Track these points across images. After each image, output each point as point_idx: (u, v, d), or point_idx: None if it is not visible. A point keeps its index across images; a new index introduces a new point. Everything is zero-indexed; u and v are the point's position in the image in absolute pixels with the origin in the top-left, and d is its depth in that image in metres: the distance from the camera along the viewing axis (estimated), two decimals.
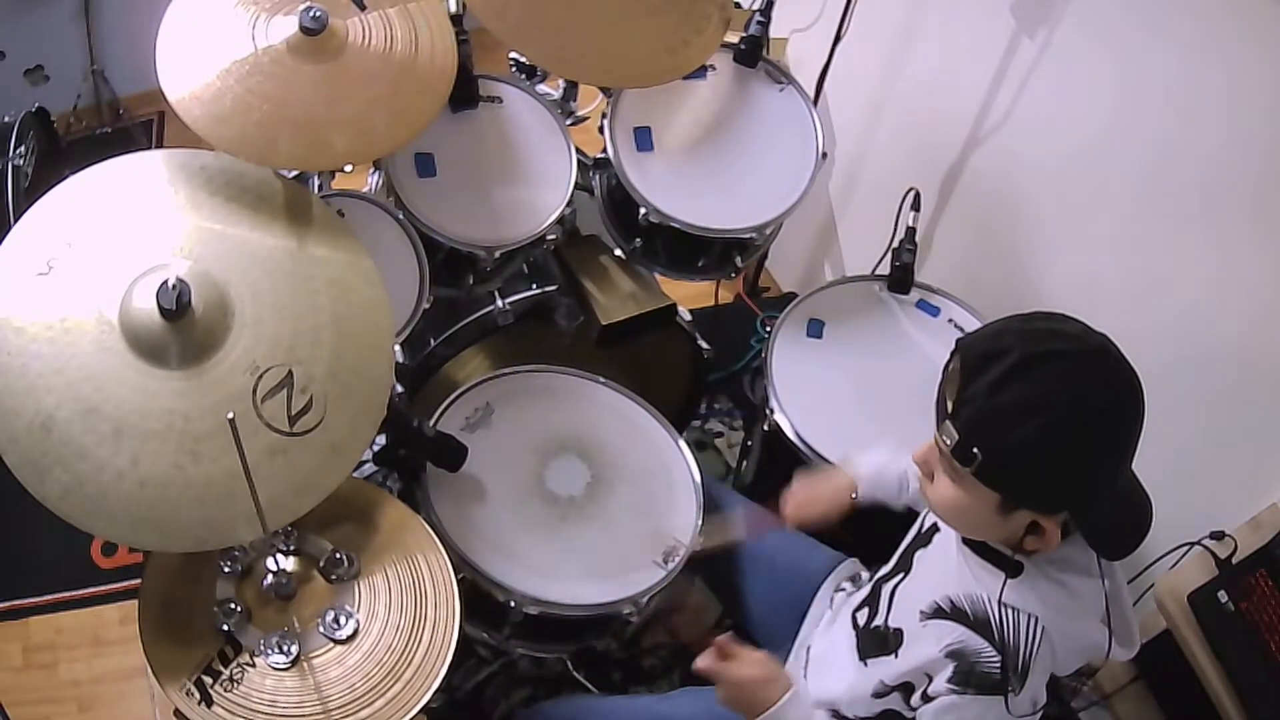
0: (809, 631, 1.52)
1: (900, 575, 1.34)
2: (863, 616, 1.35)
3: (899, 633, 1.26)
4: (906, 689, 1.23)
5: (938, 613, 1.20)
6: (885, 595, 1.33)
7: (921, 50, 2.25)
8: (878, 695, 1.27)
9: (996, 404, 1.05)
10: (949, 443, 1.09)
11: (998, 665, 1.13)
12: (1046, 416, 1.03)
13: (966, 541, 1.22)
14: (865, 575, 1.52)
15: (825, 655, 1.42)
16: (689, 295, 2.16)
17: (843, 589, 1.54)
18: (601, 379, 1.75)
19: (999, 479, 1.08)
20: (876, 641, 1.30)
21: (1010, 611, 1.14)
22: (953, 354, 1.12)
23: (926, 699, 1.19)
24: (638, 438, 1.70)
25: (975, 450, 1.06)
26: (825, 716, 1.33)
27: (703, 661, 1.31)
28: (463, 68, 1.58)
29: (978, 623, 1.16)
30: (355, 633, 1.27)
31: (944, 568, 1.25)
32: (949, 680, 1.15)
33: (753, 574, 1.63)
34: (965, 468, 1.08)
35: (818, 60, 2.26)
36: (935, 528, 1.33)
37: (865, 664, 1.30)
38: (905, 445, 1.45)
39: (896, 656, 1.24)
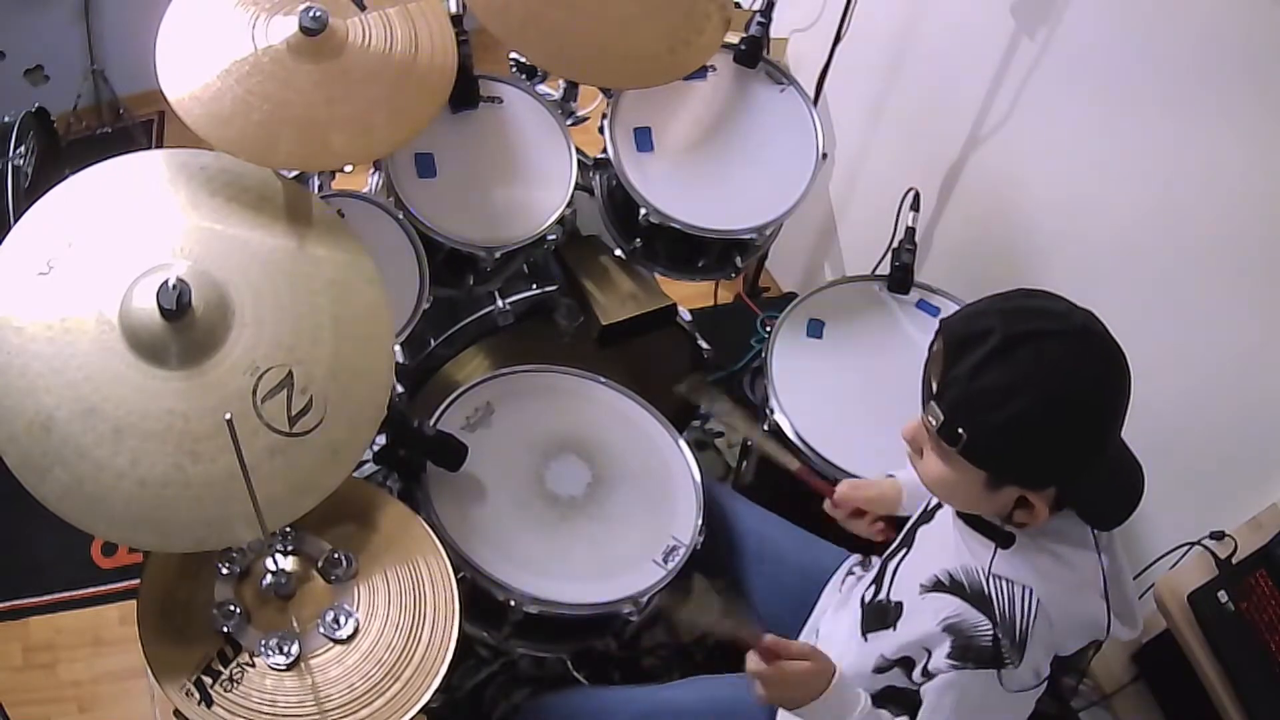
0: (818, 617, 1.52)
1: (904, 551, 1.35)
2: (869, 594, 1.36)
3: (899, 605, 1.26)
4: (906, 664, 1.24)
5: (936, 586, 1.21)
6: (890, 570, 1.34)
7: (921, 50, 2.25)
8: (879, 670, 1.27)
9: (979, 386, 1.06)
10: (935, 423, 1.10)
11: (995, 638, 1.14)
12: (1028, 397, 1.04)
13: (960, 514, 1.24)
14: (875, 560, 1.52)
15: (830, 635, 1.43)
16: (689, 295, 2.17)
17: (853, 573, 1.54)
18: (601, 379, 1.74)
19: (984, 458, 1.10)
20: (877, 616, 1.30)
21: (1004, 583, 1.15)
22: (936, 334, 1.13)
23: (928, 675, 1.19)
24: (638, 438, 1.70)
25: (960, 430, 1.08)
26: (866, 696, 1.28)
27: (754, 664, 1.25)
28: (463, 68, 1.58)
29: (974, 596, 1.17)
30: (355, 632, 1.27)
31: (942, 541, 1.26)
32: (948, 655, 1.16)
33: (758, 570, 1.64)
34: (951, 447, 1.10)
35: (818, 60, 2.26)
36: (939, 505, 1.34)
37: (865, 639, 1.30)
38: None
39: (895, 629, 1.25)
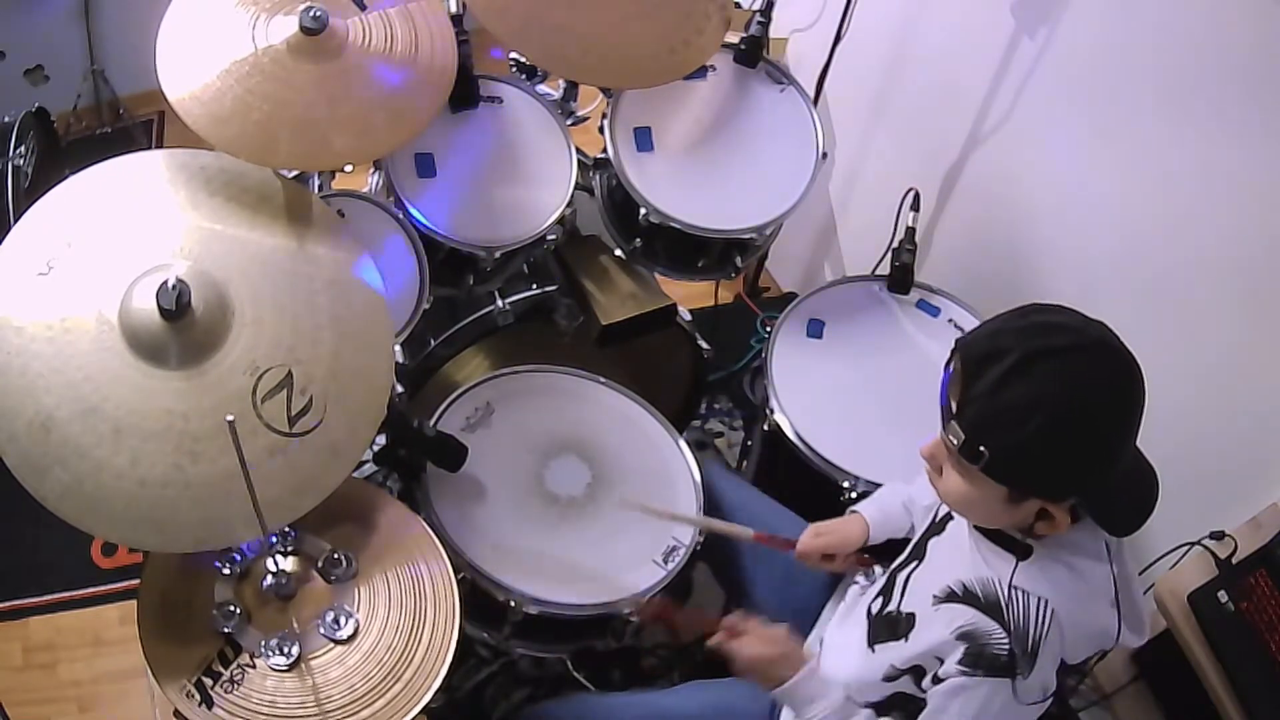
0: (821, 627, 1.52)
1: (915, 563, 1.35)
2: (877, 605, 1.36)
3: (911, 617, 1.27)
4: (917, 672, 1.24)
5: (950, 596, 1.21)
6: (900, 582, 1.34)
7: (921, 51, 2.25)
8: (888, 679, 1.27)
9: (999, 404, 1.07)
10: (955, 442, 1.11)
11: (1008, 647, 1.14)
12: (1049, 413, 1.05)
13: (978, 526, 1.24)
14: (878, 569, 1.52)
15: (837, 643, 1.43)
16: (689, 295, 2.16)
17: (856, 582, 1.54)
18: (601, 379, 1.74)
19: (1006, 474, 1.10)
20: (887, 627, 1.30)
21: (1020, 594, 1.15)
22: (953, 354, 1.14)
23: (937, 681, 1.20)
24: (638, 438, 1.70)
25: (982, 449, 1.08)
26: (843, 697, 1.33)
27: (715, 640, 1.37)
28: (463, 68, 1.58)
29: (989, 605, 1.17)
30: (355, 633, 1.27)
31: (957, 553, 1.26)
32: (959, 662, 1.16)
33: (764, 576, 1.63)
34: (973, 465, 1.10)
35: (818, 60, 2.26)
36: (950, 516, 1.34)
37: (873, 650, 1.31)
38: (902, 470, 1.50)
39: (906, 640, 1.25)
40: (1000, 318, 1.14)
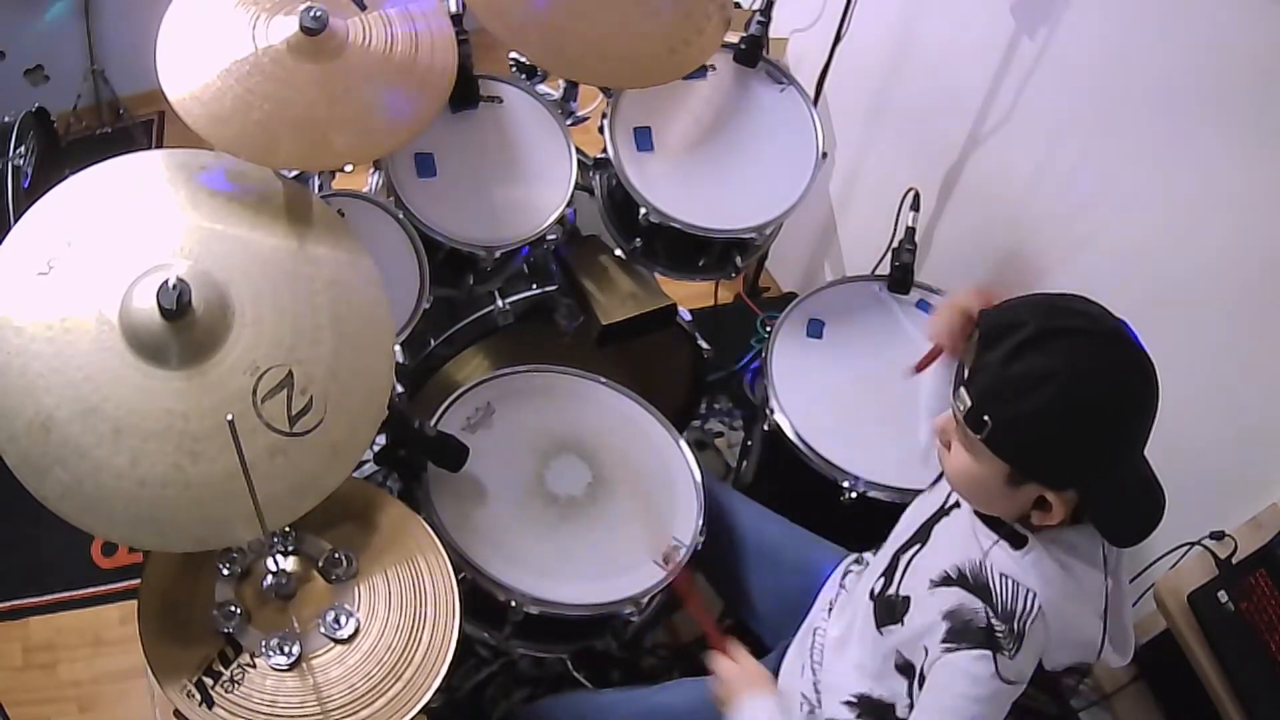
0: (817, 615, 1.52)
1: (918, 546, 1.35)
2: (879, 586, 1.36)
3: (907, 600, 1.27)
4: (909, 671, 1.24)
5: (944, 580, 1.21)
6: (902, 565, 1.34)
7: (921, 51, 2.25)
8: (901, 670, 1.27)
9: (1008, 373, 1.07)
10: (962, 409, 1.12)
11: (989, 622, 1.14)
12: (1055, 389, 1.05)
13: (978, 513, 1.24)
14: (869, 556, 1.52)
15: (844, 635, 1.42)
16: (689, 295, 2.16)
17: (852, 571, 1.54)
18: (601, 379, 1.74)
19: (1007, 448, 1.10)
20: (888, 609, 1.31)
21: (1009, 582, 1.16)
22: (976, 324, 1.15)
23: (921, 681, 1.19)
24: (638, 438, 1.70)
25: (985, 418, 1.09)
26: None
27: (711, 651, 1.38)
28: (463, 68, 1.58)
29: (977, 587, 1.17)
30: (355, 632, 1.27)
31: (957, 537, 1.26)
32: (942, 640, 1.16)
33: (756, 569, 1.64)
34: (976, 435, 1.11)
35: (818, 60, 2.26)
36: (956, 503, 1.34)
37: (881, 632, 1.31)
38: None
39: (902, 624, 1.26)
40: (1026, 295, 1.16)
